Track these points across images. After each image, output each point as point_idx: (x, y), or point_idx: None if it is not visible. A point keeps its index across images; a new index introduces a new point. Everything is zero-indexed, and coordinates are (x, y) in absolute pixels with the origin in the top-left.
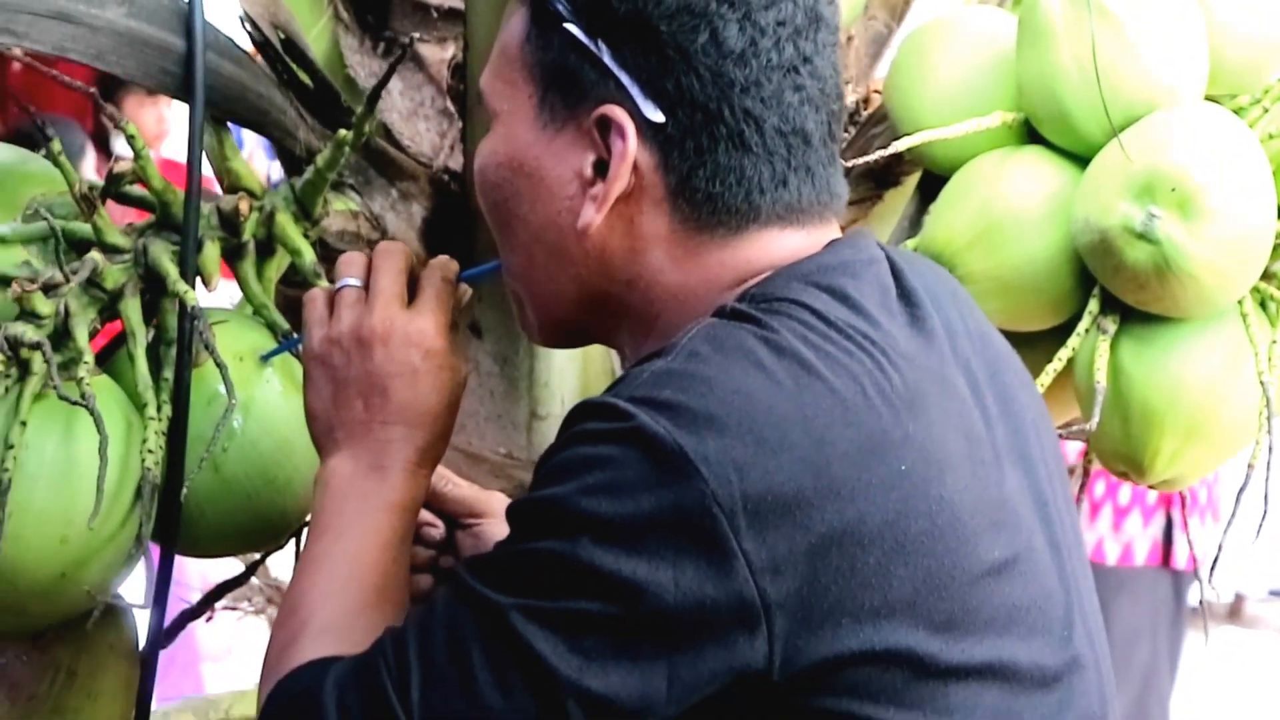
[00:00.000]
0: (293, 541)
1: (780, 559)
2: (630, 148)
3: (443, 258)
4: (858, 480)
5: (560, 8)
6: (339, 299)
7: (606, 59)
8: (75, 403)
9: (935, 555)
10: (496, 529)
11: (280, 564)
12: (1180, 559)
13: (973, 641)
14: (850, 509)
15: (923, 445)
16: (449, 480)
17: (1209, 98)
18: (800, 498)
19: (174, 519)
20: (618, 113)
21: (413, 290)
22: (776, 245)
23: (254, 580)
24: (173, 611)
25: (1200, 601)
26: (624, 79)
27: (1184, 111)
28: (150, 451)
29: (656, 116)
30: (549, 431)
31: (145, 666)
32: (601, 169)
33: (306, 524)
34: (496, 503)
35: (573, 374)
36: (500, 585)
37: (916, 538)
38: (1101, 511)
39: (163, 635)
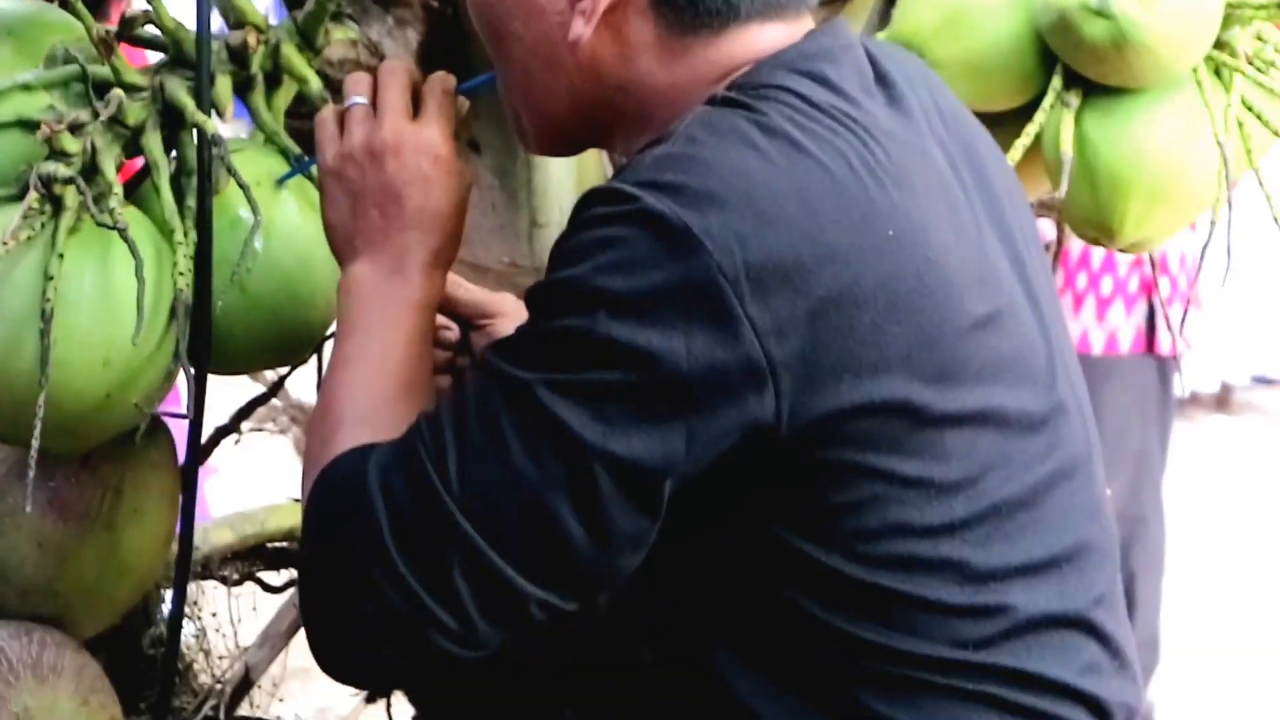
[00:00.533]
0: (315, 362)
1: (783, 322)
2: None
3: (441, 73)
4: (850, 246)
5: None
6: (349, 116)
7: None
8: (111, 228)
9: (925, 312)
10: (507, 327)
11: (301, 385)
12: (1164, 345)
13: (964, 391)
14: (845, 273)
15: (908, 212)
16: (461, 285)
17: None
18: (798, 264)
19: (206, 337)
20: None
21: (416, 105)
22: (758, 39)
23: (277, 401)
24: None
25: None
26: None
27: None
28: (181, 274)
29: None
30: (549, 239)
31: (187, 480)
32: None
33: (330, 338)
34: (507, 304)
35: (569, 182)
36: (525, 363)
37: (907, 296)
38: (1085, 302)
39: (200, 451)
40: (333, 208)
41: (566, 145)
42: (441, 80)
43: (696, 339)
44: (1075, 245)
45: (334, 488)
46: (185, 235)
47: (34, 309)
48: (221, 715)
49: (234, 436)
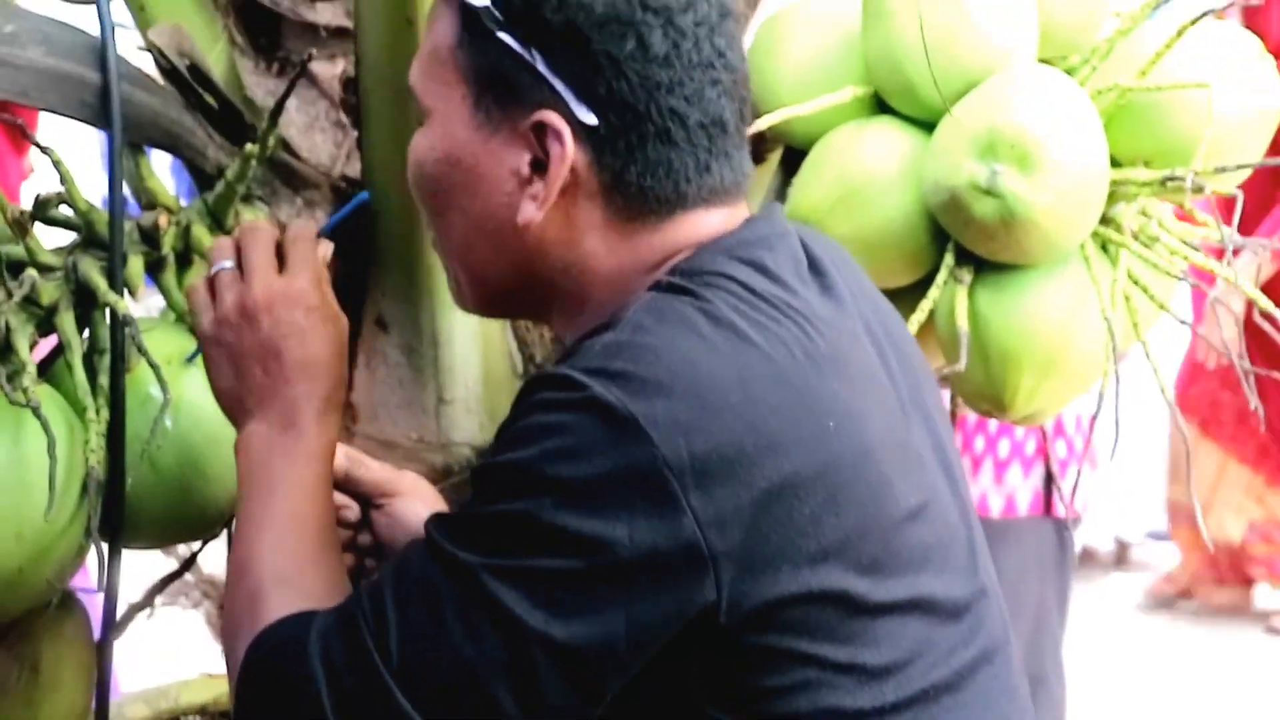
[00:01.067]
0: (225, 536)
1: (726, 513)
2: (568, 152)
3: (300, 223)
4: (793, 437)
5: (493, 17)
6: (218, 282)
7: (541, 66)
8: (24, 405)
9: (861, 504)
10: (408, 506)
11: (212, 560)
12: (1061, 506)
13: (895, 580)
14: (786, 463)
15: (847, 402)
16: (361, 463)
17: (1042, 60)
18: (741, 455)
19: (120, 513)
20: (554, 118)
21: (282, 259)
22: (701, 225)
23: (189, 576)
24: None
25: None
26: (558, 85)
27: (1019, 74)
28: (93, 450)
29: (590, 119)
30: (456, 415)
31: (101, 656)
32: (538, 167)
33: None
34: (407, 482)
35: (475, 360)
36: (469, 545)
37: (845, 488)
38: (983, 465)
39: (115, 625)
40: (218, 373)
41: (501, 311)
42: (301, 231)
43: (639, 527)
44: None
45: (273, 654)
46: (97, 413)
47: None
48: None
49: (146, 611)
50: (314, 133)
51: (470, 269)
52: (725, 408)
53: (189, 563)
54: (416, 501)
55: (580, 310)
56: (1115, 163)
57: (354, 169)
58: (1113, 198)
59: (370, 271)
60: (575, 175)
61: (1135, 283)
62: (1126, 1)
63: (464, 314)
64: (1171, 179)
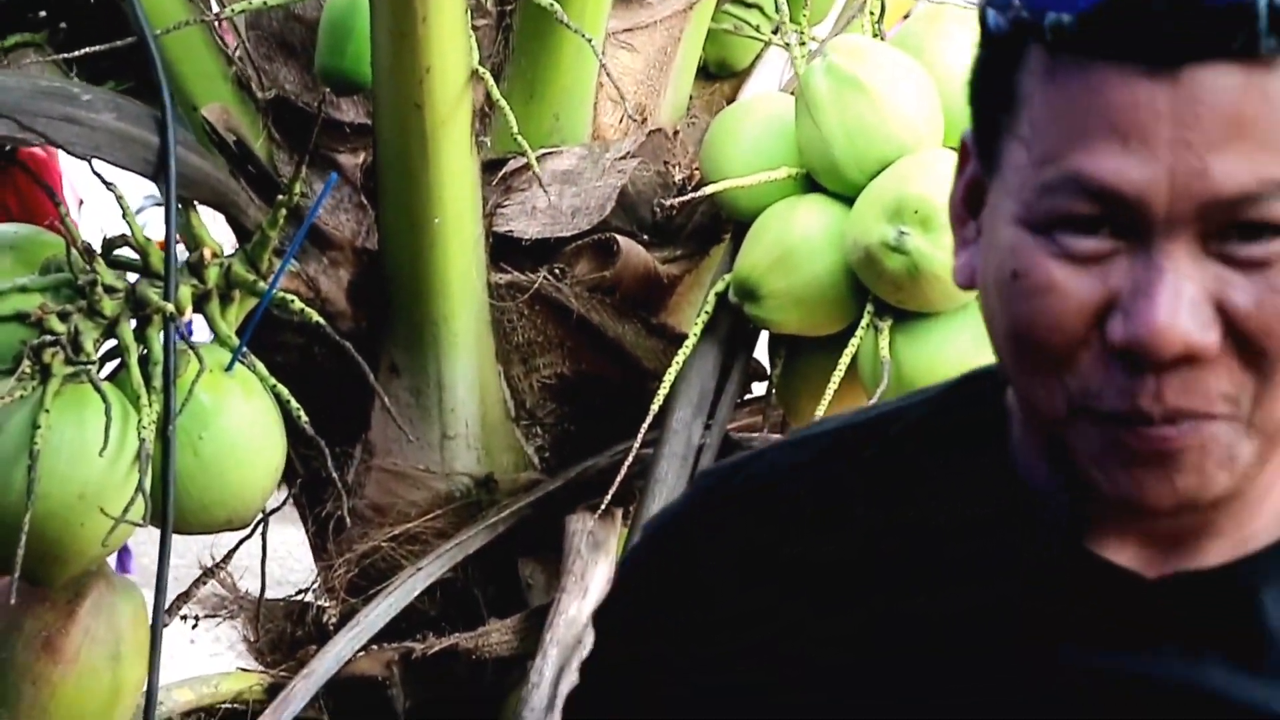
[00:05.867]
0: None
1: None
2: None
3: None
4: None
5: None
6: None
7: None
8: (90, 381)
9: None
10: None
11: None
12: None
13: None
14: None
15: None
16: None
17: (947, 145)
18: None
19: (168, 500)
20: None
21: None
22: None
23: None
24: None
25: None
26: None
27: (923, 154)
28: (145, 428)
29: None
30: (457, 449)
31: (154, 635)
32: None
33: (273, 512)
34: None
35: (473, 403)
36: None
37: None
38: None
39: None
40: None
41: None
42: None
43: None
44: None
45: None
46: (150, 403)
47: (23, 451)
48: None
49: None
50: (340, 213)
51: None
52: None
53: (232, 552)
54: None
55: None
56: None
57: (373, 243)
58: None
59: (384, 325)
60: None
61: None
62: None
63: (464, 363)
64: None
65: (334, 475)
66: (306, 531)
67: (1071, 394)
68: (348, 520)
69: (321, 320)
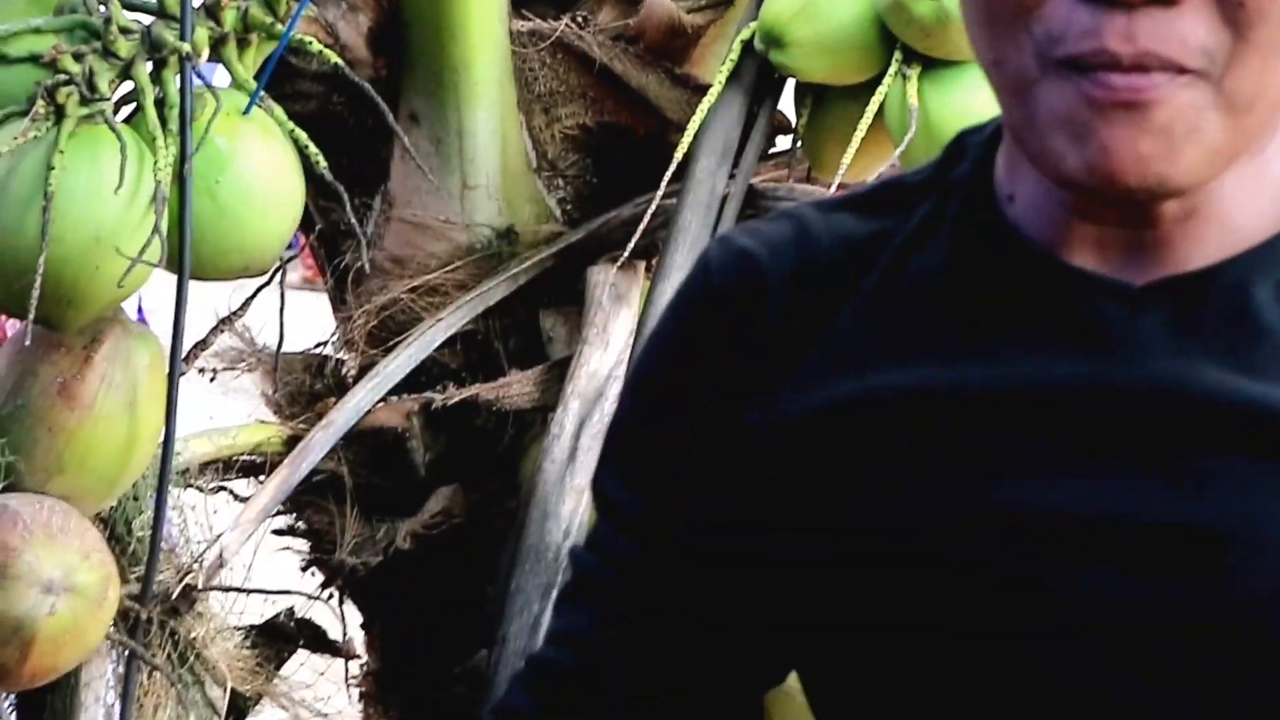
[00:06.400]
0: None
1: None
2: None
3: None
4: None
5: None
6: None
7: None
8: (105, 121)
9: None
10: None
11: (266, 332)
12: None
13: None
14: None
15: None
16: None
17: None
18: None
19: (185, 243)
20: None
21: None
22: None
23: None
24: None
25: None
26: None
27: None
28: (160, 169)
29: None
30: (478, 200)
31: (171, 383)
32: None
33: (289, 261)
34: None
35: (494, 152)
36: None
37: None
38: None
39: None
40: None
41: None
42: None
43: None
44: None
45: None
46: (166, 145)
47: (38, 193)
48: (199, 585)
49: (208, 373)
50: None
51: None
52: None
53: (247, 303)
54: None
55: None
56: None
57: None
58: None
59: (404, 73)
60: None
61: None
62: None
63: (484, 111)
64: None
65: (354, 224)
66: (324, 284)
67: (1039, 43)
68: (367, 269)
69: (340, 61)
